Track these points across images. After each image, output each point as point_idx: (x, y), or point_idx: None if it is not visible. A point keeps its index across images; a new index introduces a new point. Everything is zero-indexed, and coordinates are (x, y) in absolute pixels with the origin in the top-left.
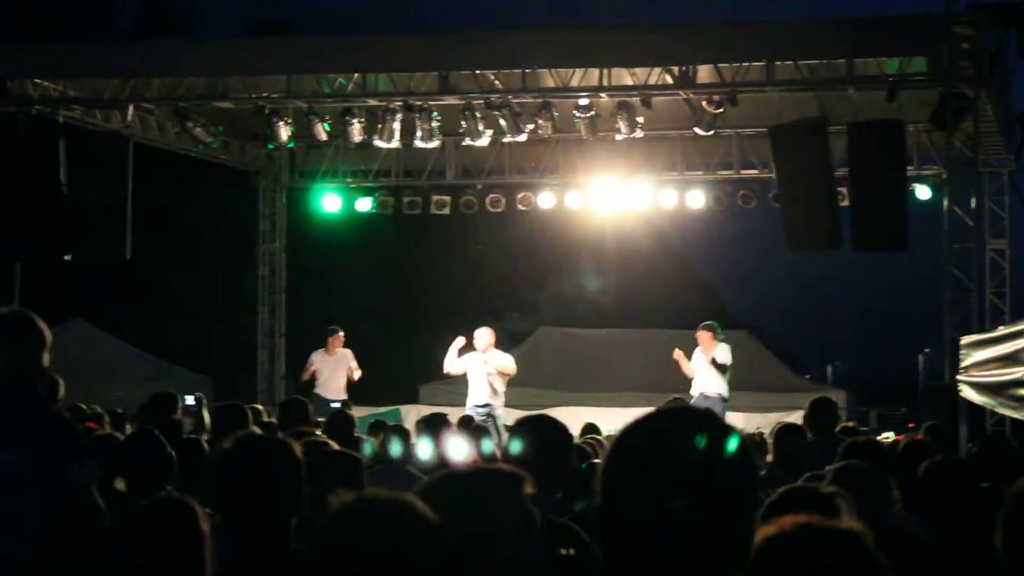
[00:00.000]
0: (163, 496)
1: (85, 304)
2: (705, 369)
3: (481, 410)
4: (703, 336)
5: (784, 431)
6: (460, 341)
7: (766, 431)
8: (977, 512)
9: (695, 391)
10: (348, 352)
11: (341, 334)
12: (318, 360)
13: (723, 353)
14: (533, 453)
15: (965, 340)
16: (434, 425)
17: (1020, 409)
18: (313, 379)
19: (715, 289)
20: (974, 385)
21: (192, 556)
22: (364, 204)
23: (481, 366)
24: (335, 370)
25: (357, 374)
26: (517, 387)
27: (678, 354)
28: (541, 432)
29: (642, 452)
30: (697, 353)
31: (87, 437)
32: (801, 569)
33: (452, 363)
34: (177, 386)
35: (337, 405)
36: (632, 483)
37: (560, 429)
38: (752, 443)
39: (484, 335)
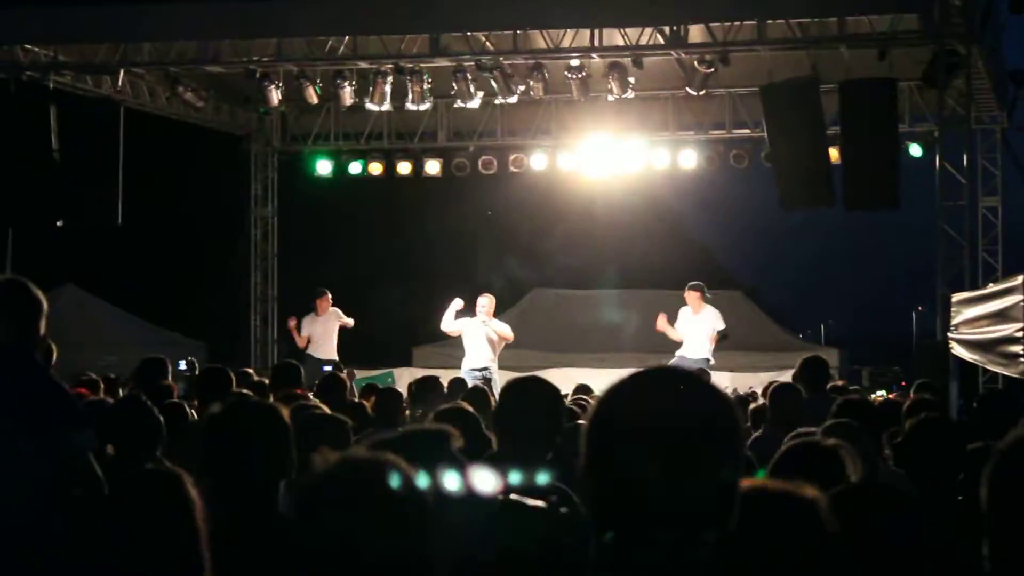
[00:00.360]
0: (149, 469)
1: (77, 270)
2: (690, 330)
3: (477, 373)
4: (692, 296)
5: (779, 390)
6: (458, 303)
7: (759, 390)
8: (963, 469)
9: (678, 353)
10: (336, 310)
11: (328, 295)
12: (308, 324)
13: (717, 319)
14: (524, 415)
15: (956, 297)
16: (425, 388)
17: (1010, 366)
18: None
19: (708, 249)
20: (964, 342)
21: (184, 527)
22: (356, 167)
23: (480, 329)
24: (326, 330)
25: (350, 322)
26: (510, 349)
27: (662, 323)
28: (532, 394)
29: (627, 411)
30: (684, 312)
31: (81, 403)
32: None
33: (449, 323)
34: (171, 351)
35: (329, 368)
36: (617, 442)
37: (550, 390)
38: (739, 401)
39: (486, 302)
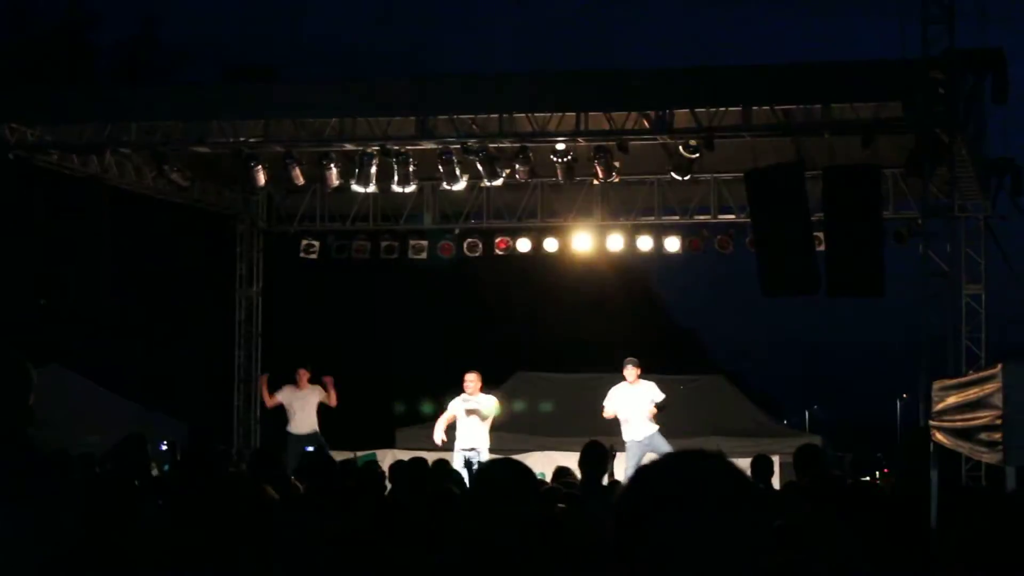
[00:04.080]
0: None
1: (60, 348)
2: (632, 405)
3: (468, 453)
4: (630, 370)
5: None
6: (446, 418)
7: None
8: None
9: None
10: (318, 387)
11: (308, 371)
12: (286, 393)
13: (655, 390)
14: (497, 498)
15: (937, 385)
16: (411, 469)
17: (989, 454)
18: (285, 417)
19: (692, 333)
20: (945, 430)
21: None
22: (342, 248)
23: (464, 408)
24: (304, 404)
25: (333, 399)
26: (493, 431)
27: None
28: (504, 476)
29: (666, 491)
30: (621, 388)
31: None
32: None
33: (439, 433)
34: (154, 431)
35: (311, 449)
36: (648, 523)
37: (524, 472)
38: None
39: (473, 378)
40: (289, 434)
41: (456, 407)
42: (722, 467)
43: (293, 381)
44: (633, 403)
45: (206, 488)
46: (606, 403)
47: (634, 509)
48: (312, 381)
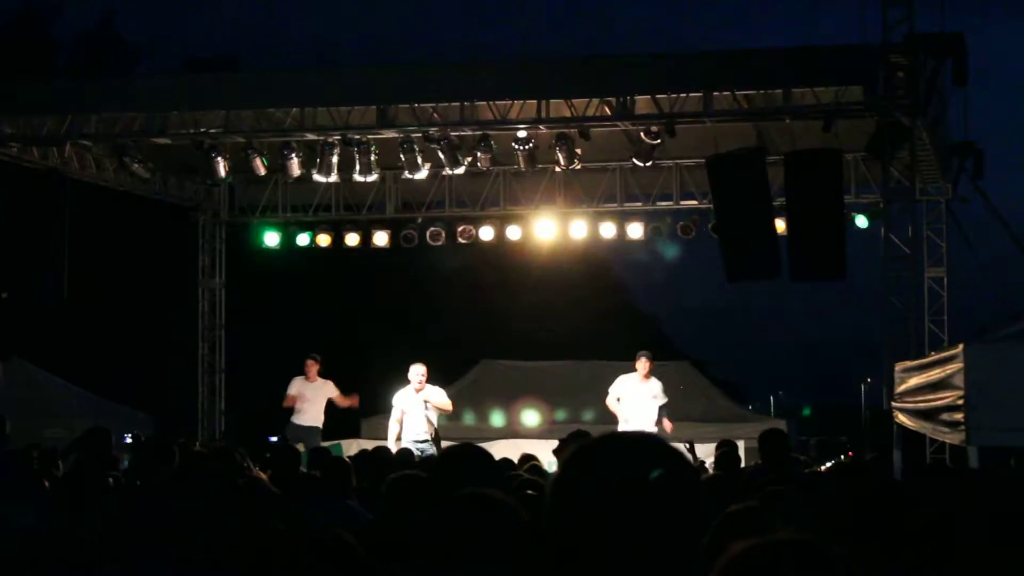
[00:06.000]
0: None
1: (24, 342)
2: (644, 402)
3: (420, 444)
4: (643, 363)
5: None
6: (397, 417)
7: (708, 461)
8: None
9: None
10: (328, 382)
11: (318, 361)
12: (298, 384)
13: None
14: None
15: (899, 367)
16: (376, 459)
17: (951, 434)
18: (291, 406)
19: (656, 320)
20: (908, 411)
21: None
22: (304, 239)
23: (418, 403)
24: (313, 398)
25: (344, 399)
26: (458, 420)
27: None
28: (465, 462)
29: (593, 475)
30: (630, 380)
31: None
32: None
33: (393, 437)
34: (117, 423)
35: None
36: (583, 504)
37: (483, 457)
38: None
39: (422, 371)
40: (291, 423)
41: (404, 401)
42: (659, 451)
43: (301, 373)
44: (639, 399)
45: (170, 479)
46: (612, 390)
47: (569, 490)
48: (322, 374)
